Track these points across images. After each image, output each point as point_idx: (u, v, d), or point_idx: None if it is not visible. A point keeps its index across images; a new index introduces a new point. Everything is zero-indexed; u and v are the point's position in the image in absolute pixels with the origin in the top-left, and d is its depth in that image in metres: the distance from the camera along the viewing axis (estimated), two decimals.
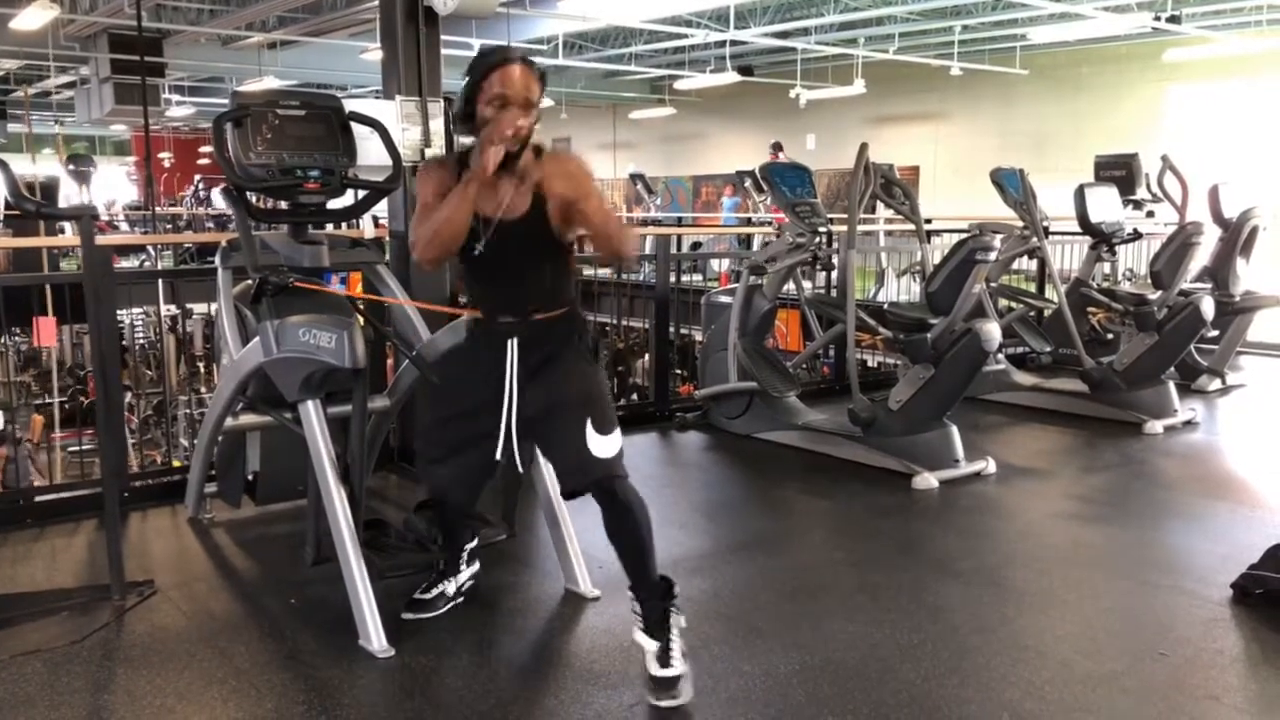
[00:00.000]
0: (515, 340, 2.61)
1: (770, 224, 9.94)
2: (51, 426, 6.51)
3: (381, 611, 2.80)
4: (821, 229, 5.14)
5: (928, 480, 4.35)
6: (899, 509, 4.12)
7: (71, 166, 10.48)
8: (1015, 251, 6.07)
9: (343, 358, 2.77)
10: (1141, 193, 7.00)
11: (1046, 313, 6.55)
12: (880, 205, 6.09)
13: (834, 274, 6.10)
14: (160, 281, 5.48)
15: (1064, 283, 6.22)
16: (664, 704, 2.46)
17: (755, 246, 7.03)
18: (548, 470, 3.25)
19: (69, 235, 5.33)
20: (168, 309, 6.12)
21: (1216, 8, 13.36)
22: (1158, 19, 12.59)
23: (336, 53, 16.12)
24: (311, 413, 2.93)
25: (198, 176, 18.94)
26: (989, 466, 4.56)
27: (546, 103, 2.53)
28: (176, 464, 4.80)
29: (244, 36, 15.70)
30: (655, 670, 2.50)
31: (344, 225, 4.85)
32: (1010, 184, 5.92)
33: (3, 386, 6.29)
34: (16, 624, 2.92)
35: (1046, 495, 4.41)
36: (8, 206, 5.68)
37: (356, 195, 3.24)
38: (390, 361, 4.36)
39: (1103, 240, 6.06)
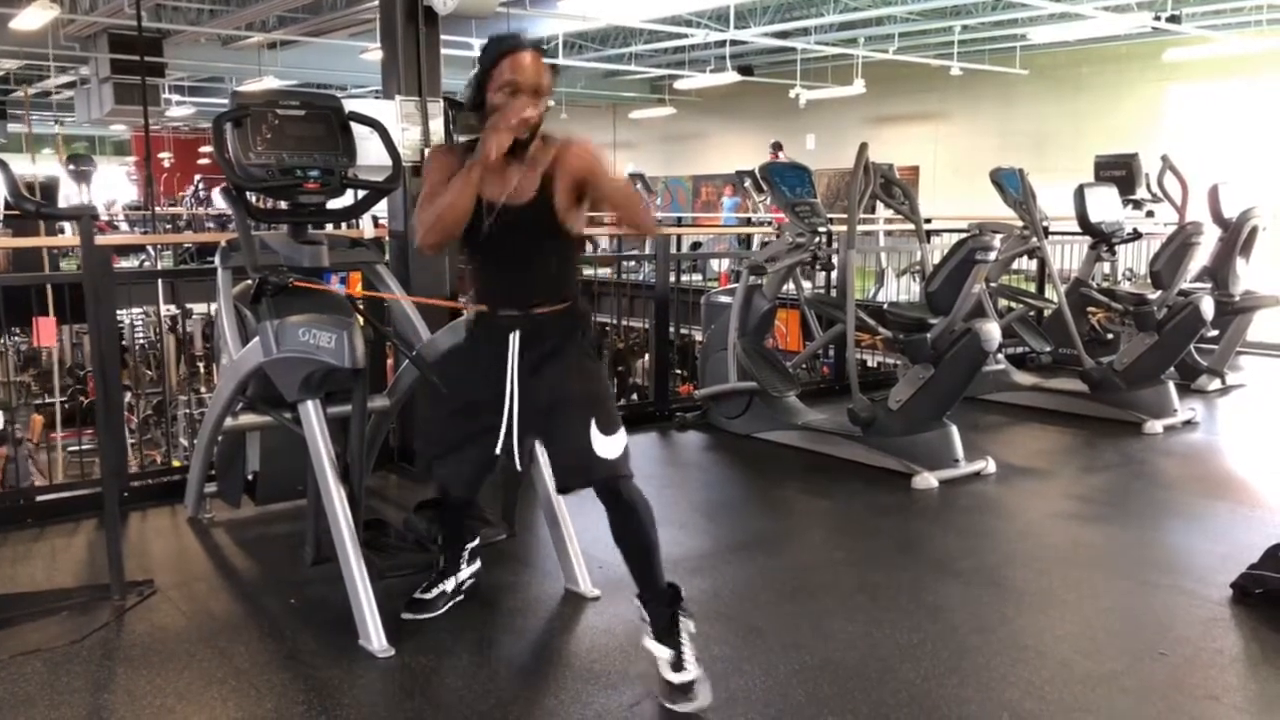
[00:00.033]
0: (517, 334, 2.59)
1: (770, 224, 9.94)
2: (52, 426, 6.51)
3: (381, 611, 2.80)
4: (821, 229, 5.14)
5: (927, 480, 4.35)
6: (899, 509, 4.12)
7: (71, 166, 10.49)
8: (1015, 251, 6.08)
9: (342, 358, 2.77)
10: (1141, 193, 7.01)
11: (1046, 313, 6.55)
12: (880, 205, 6.08)
13: (834, 274, 6.10)
14: (160, 281, 5.47)
15: (1064, 283, 6.22)
16: (685, 709, 2.42)
17: (755, 246, 7.03)
18: (547, 469, 3.26)
19: (69, 235, 5.33)
20: (167, 309, 6.12)
21: (1216, 7, 13.36)
22: (1158, 19, 12.60)
23: (336, 53, 16.12)
24: (311, 413, 2.93)
25: (198, 176, 18.94)
26: (989, 466, 4.56)
27: (548, 101, 2.52)
28: (176, 464, 4.80)
29: (244, 36, 15.70)
30: (670, 676, 2.46)
31: (344, 225, 4.85)
32: (1010, 184, 5.92)
33: (2, 386, 6.29)
34: (16, 624, 2.92)
35: (1046, 495, 4.41)
36: (8, 206, 5.68)
37: (356, 195, 3.24)
38: (390, 361, 4.36)
39: (1102, 240, 6.06)
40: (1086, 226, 6.00)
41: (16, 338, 6.87)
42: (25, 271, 6.30)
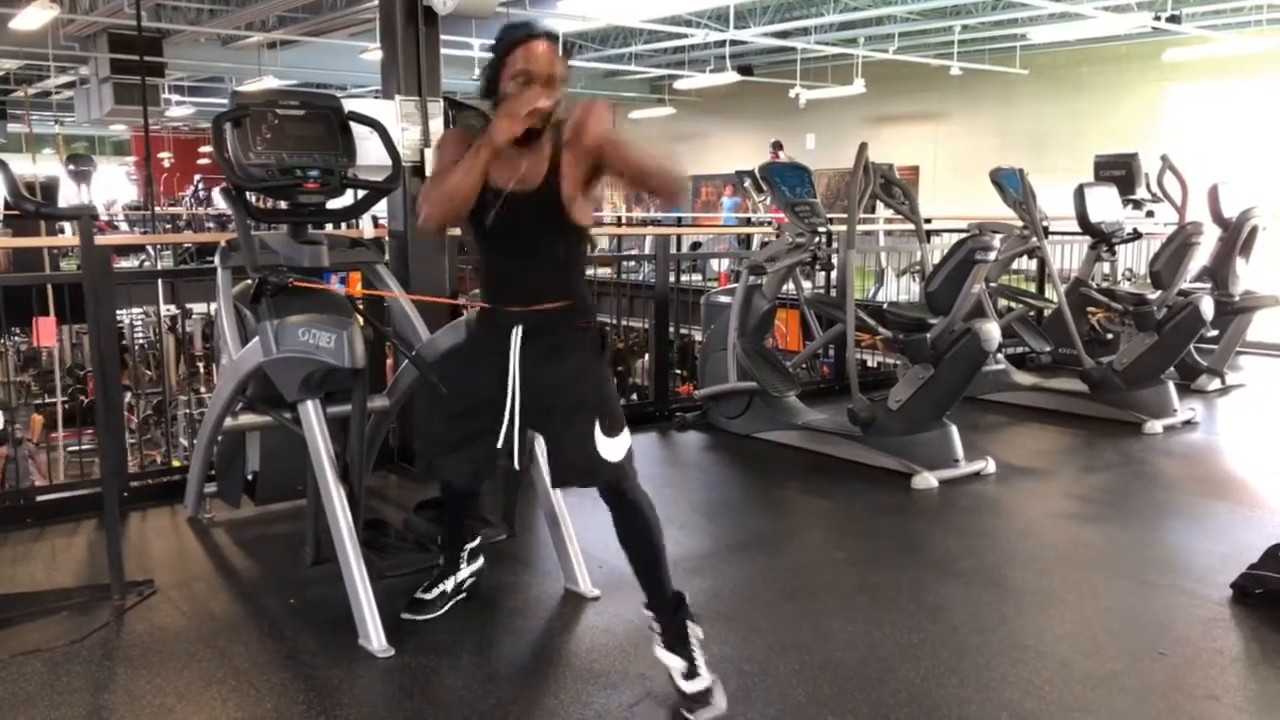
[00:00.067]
0: (519, 330, 2.53)
1: (770, 224, 9.94)
2: (52, 426, 6.51)
3: (381, 611, 2.80)
4: (821, 229, 5.14)
5: (927, 480, 4.35)
6: (898, 509, 4.12)
7: (71, 166, 10.48)
8: (1015, 251, 6.08)
9: (342, 358, 2.77)
10: (1141, 192, 7.00)
11: (1046, 312, 6.55)
12: (880, 205, 6.08)
13: (833, 274, 6.10)
14: (160, 281, 5.47)
15: (1063, 282, 6.22)
16: (706, 717, 2.40)
17: (755, 246, 7.03)
18: (548, 471, 3.25)
19: (69, 235, 5.33)
20: (167, 309, 6.12)
21: (1216, 7, 13.36)
22: (1158, 19, 12.60)
23: (336, 53, 16.12)
24: (311, 412, 2.93)
25: (197, 176, 18.95)
26: (988, 466, 4.56)
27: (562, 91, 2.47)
28: (176, 464, 4.80)
29: (244, 36, 15.71)
30: (685, 686, 2.44)
31: (344, 225, 4.85)
32: (1010, 184, 5.92)
33: (2, 386, 6.29)
34: (16, 624, 2.92)
35: (1046, 495, 4.41)
36: (8, 206, 5.68)
37: (356, 195, 3.24)
38: (390, 361, 4.36)
39: (1102, 240, 6.06)
40: (1086, 226, 6.00)
41: (16, 338, 6.87)
42: (25, 271, 6.30)
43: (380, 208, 3.78)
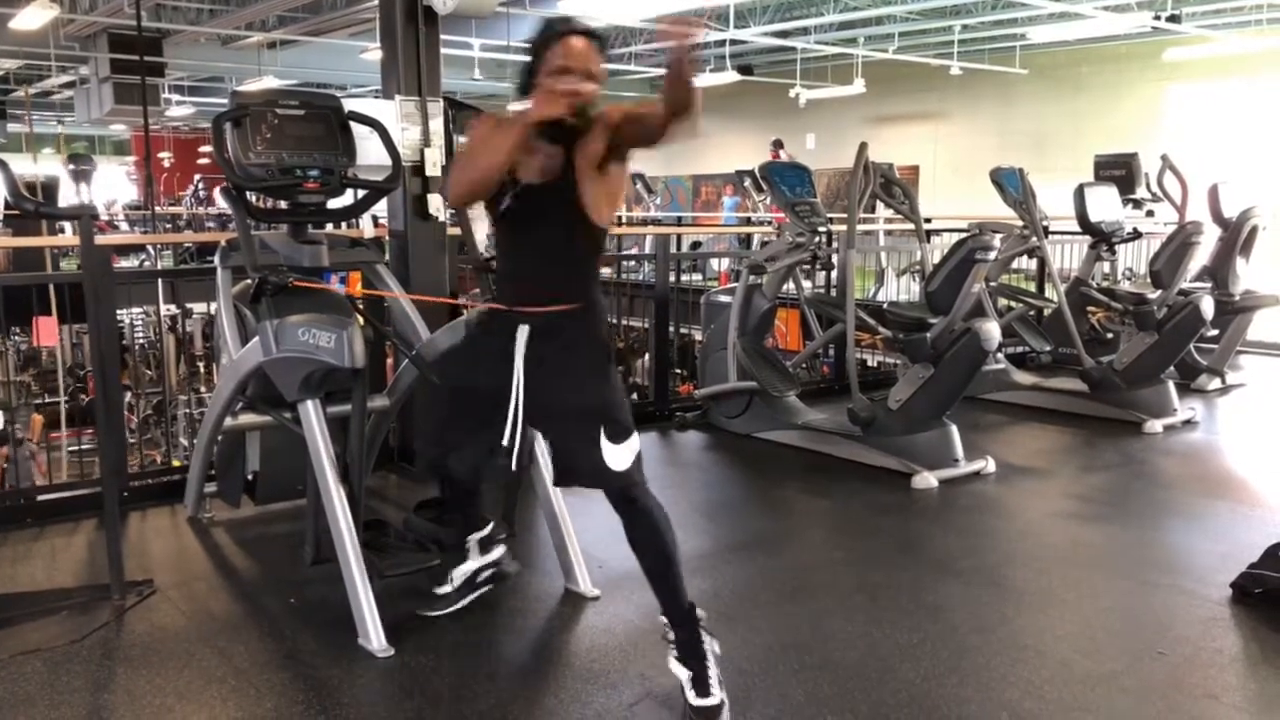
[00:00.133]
0: (526, 330, 2.48)
1: (770, 223, 9.94)
2: (52, 426, 6.51)
3: (381, 611, 2.80)
4: (821, 228, 5.14)
5: (927, 479, 4.35)
6: (898, 508, 4.12)
7: (71, 166, 10.48)
8: (1015, 251, 6.08)
9: (342, 357, 2.77)
10: (1141, 192, 7.01)
11: (1046, 312, 6.55)
12: (880, 205, 6.09)
13: (834, 273, 6.10)
14: (160, 281, 5.46)
15: (1063, 282, 6.22)
16: None
17: (755, 246, 7.03)
18: (548, 471, 3.25)
19: (69, 235, 5.33)
20: (167, 309, 6.11)
21: (1216, 7, 13.36)
22: (1157, 18, 12.60)
23: (336, 52, 16.12)
24: (311, 412, 2.93)
25: (197, 176, 18.94)
26: (988, 466, 4.56)
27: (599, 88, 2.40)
28: (176, 463, 4.80)
29: (244, 36, 15.71)
30: (695, 700, 2.40)
31: (344, 225, 4.85)
32: (1010, 183, 5.93)
33: (2, 386, 6.29)
34: (16, 623, 2.92)
35: (1046, 495, 4.41)
36: (7, 206, 5.68)
37: (356, 195, 3.24)
38: (390, 361, 4.36)
39: (1102, 240, 6.06)
40: (1086, 226, 6.00)
41: (16, 338, 6.87)
42: (25, 271, 6.30)
43: (380, 207, 3.78)
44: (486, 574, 3.06)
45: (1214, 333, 6.53)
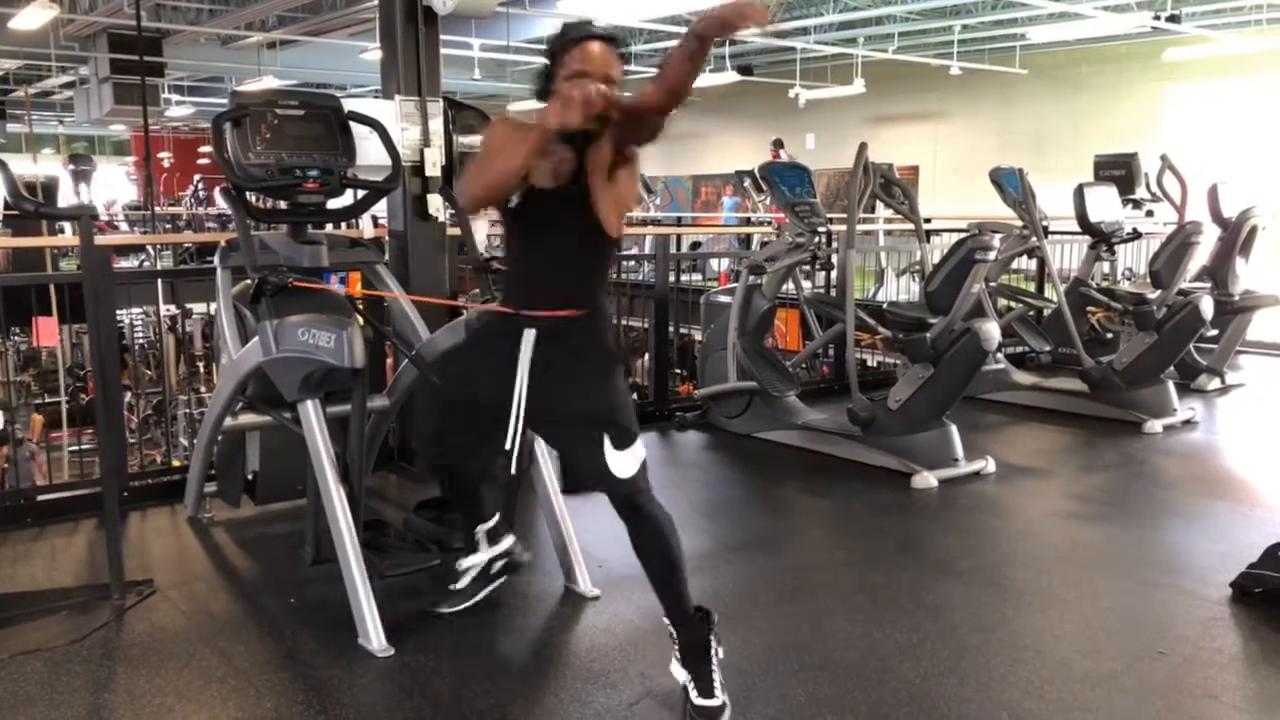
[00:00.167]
0: (533, 334, 2.47)
1: (770, 224, 9.95)
2: (52, 426, 6.51)
3: (381, 611, 2.80)
4: (821, 228, 5.14)
5: (927, 479, 4.35)
6: (898, 508, 4.13)
7: (72, 166, 10.48)
8: (1014, 251, 6.08)
9: (342, 357, 2.77)
10: (1141, 192, 7.01)
11: (1046, 312, 6.55)
12: (880, 205, 6.09)
13: (833, 273, 6.10)
14: (159, 281, 5.46)
15: (1063, 282, 6.22)
16: None
17: (755, 246, 7.03)
18: (547, 470, 3.26)
19: (69, 235, 5.33)
20: (167, 309, 6.12)
21: (1216, 7, 13.36)
22: (1157, 18, 12.60)
23: (336, 52, 16.12)
24: (311, 412, 2.93)
25: (197, 176, 18.95)
26: (988, 466, 4.56)
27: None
28: (176, 463, 4.80)
29: (243, 36, 15.71)
30: (697, 700, 2.40)
31: (343, 225, 4.85)
32: (1009, 183, 5.93)
33: (2, 386, 6.29)
34: (16, 623, 2.92)
35: (1046, 494, 4.41)
36: (7, 206, 5.68)
37: (356, 195, 3.24)
38: (390, 361, 4.36)
39: (1102, 240, 6.06)
40: (1086, 226, 6.00)
41: (16, 338, 6.87)
42: (25, 271, 6.30)
43: (380, 207, 3.78)
44: (500, 565, 3.03)
45: (1213, 333, 6.54)
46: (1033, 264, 7.34)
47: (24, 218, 5.82)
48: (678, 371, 7.21)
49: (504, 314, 2.56)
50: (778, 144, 14.02)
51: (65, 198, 9.03)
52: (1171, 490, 4.53)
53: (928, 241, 5.62)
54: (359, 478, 2.96)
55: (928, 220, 6.48)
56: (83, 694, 2.55)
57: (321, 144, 3.09)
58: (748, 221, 13.23)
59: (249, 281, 3.01)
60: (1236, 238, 6.65)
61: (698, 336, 6.47)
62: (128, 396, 6.12)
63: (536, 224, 2.44)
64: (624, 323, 8.57)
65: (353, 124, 3.19)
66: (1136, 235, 6.28)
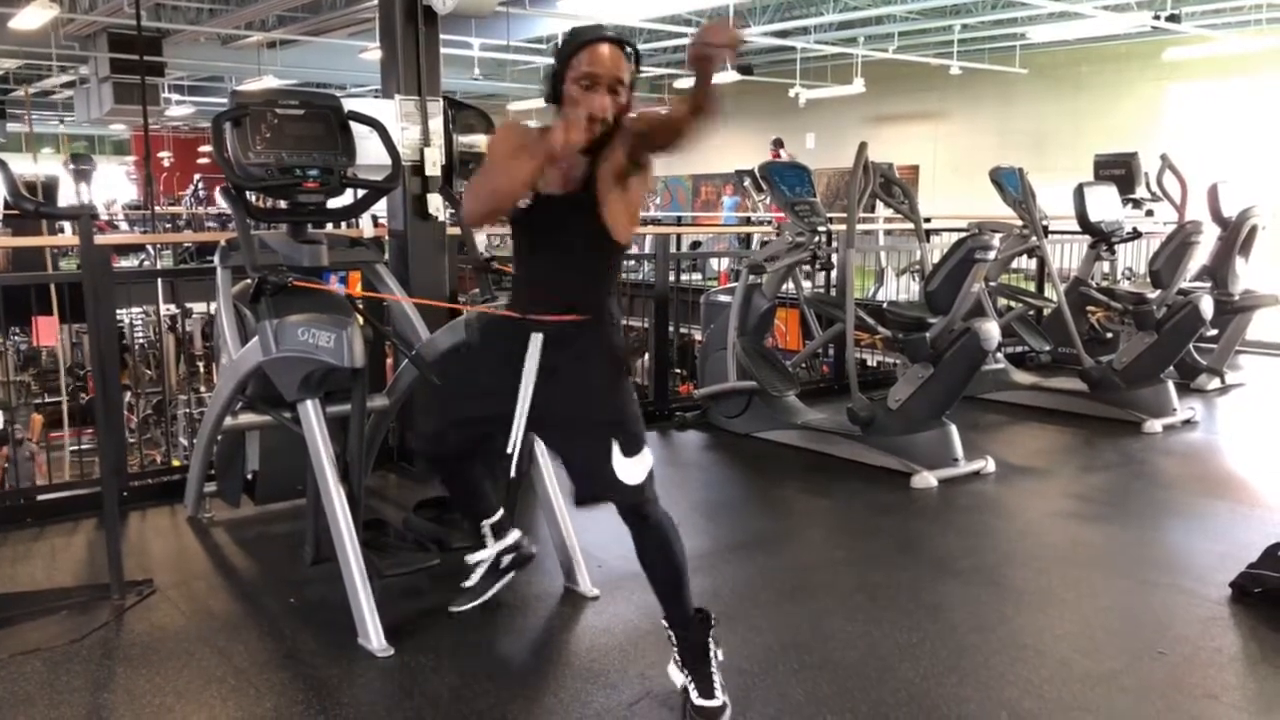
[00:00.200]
0: (540, 339, 2.44)
1: (770, 223, 9.94)
2: (52, 426, 6.51)
3: (381, 611, 2.80)
4: (821, 228, 5.14)
5: (927, 479, 4.35)
6: (898, 508, 4.13)
7: (72, 166, 10.49)
8: (1014, 250, 6.08)
9: (341, 357, 2.77)
10: (1141, 192, 7.01)
11: (1046, 312, 6.55)
12: (880, 204, 6.09)
13: (833, 273, 6.10)
14: (159, 281, 5.46)
15: (1063, 282, 6.22)
16: None
17: (755, 246, 7.03)
18: (547, 470, 3.26)
19: (69, 235, 5.33)
20: (167, 308, 6.12)
21: (1216, 7, 13.37)
22: (1157, 18, 12.60)
23: (336, 52, 16.14)
24: (310, 412, 2.93)
25: (197, 176, 18.95)
26: (988, 465, 4.56)
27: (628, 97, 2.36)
28: (176, 463, 4.80)
29: (243, 36, 15.72)
30: (697, 700, 2.40)
31: (343, 224, 4.85)
32: (1009, 183, 5.93)
33: (2, 386, 6.29)
34: (16, 623, 2.92)
35: (1045, 494, 4.42)
36: (7, 206, 5.68)
37: (355, 194, 3.24)
38: (390, 361, 4.36)
39: (1102, 239, 6.06)
40: (1086, 225, 6.00)
41: (16, 337, 6.87)
42: (25, 271, 6.30)
43: (380, 207, 3.78)
44: (509, 559, 3.01)
45: (1213, 332, 6.54)
46: (1033, 263, 7.35)
47: (24, 217, 5.82)
48: (677, 371, 7.21)
49: (510, 317, 2.53)
50: (778, 143, 14.02)
51: (65, 197, 9.03)
52: (1171, 490, 4.53)
53: (927, 241, 5.62)
54: (359, 477, 2.96)
55: (927, 220, 6.48)
56: (82, 694, 2.55)
57: (321, 143, 3.09)
58: (748, 221, 13.23)
59: (249, 281, 3.01)
60: (1236, 237, 6.65)
61: (698, 336, 6.46)
62: (128, 396, 6.12)
63: (545, 229, 2.42)
64: (624, 322, 8.60)
65: (353, 123, 3.19)
66: (1136, 235, 6.27)
